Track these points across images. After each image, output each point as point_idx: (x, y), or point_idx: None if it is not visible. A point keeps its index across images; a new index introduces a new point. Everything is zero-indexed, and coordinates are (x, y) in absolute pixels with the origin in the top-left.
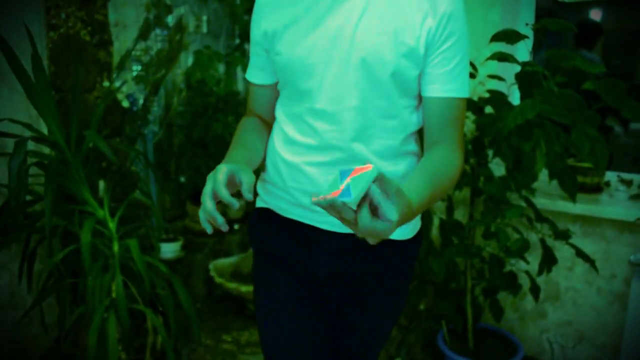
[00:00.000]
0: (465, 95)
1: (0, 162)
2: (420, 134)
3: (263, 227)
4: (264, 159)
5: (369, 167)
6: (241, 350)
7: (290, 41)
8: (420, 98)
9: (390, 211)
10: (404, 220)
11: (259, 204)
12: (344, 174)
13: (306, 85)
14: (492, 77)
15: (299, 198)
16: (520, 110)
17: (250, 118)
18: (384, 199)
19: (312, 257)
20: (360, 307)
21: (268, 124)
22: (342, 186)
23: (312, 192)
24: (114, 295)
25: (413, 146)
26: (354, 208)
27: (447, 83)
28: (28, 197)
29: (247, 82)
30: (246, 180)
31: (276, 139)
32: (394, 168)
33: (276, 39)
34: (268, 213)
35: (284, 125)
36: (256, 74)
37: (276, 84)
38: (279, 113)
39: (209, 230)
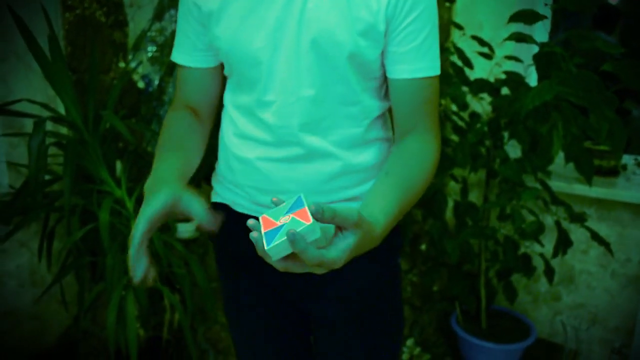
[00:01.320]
0: (437, 72)
1: (19, 142)
2: (390, 115)
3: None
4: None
5: (308, 220)
6: None
7: (228, 24)
8: (384, 77)
9: (334, 250)
10: (365, 247)
11: (214, 198)
12: (295, 205)
13: (253, 73)
14: (509, 58)
15: (255, 196)
16: (537, 92)
17: (179, 112)
18: (314, 252)
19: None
20: (330, 320)
21: (202, 118)
22: (280, 221)
23: (270, 192)
24: None
25: (380, 132)
26: (272, 258)
27: (414, 61)
28: (47, 177)
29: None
30: (196, 211)
31: (226, 133)
32: (361, 159)
33: (212, 21)
34: (224, 209)
35: (234, 117)
36: (187, 53)
37: (216, 67)
38: (228, 102)
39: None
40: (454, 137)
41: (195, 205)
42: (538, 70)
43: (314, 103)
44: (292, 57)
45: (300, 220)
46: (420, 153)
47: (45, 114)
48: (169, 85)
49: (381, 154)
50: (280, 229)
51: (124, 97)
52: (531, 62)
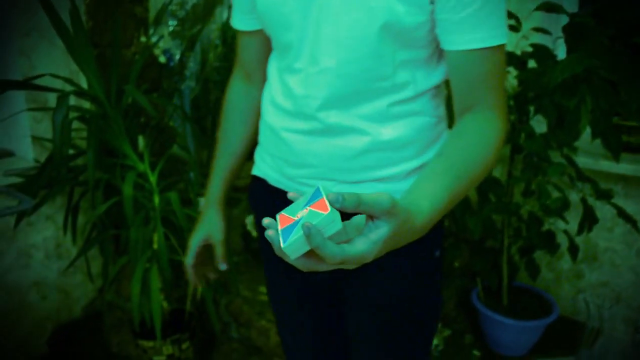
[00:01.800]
0: (502, 40)
1: (43, 117)
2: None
3: (256, 197)
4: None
5: (326, 209)
6: None
7: None
8: (434, 47)
9: (362, 243)
10: (404, 239)
11: (253, 170)
12: (314, 197)
13: (285, 38)
14: (536, 29)
15: (283, 168)
16: (567, 64)
17: (236, 85)
18: (333, 248)
19: None
20: (358, 296)
21: (256, 82)
22: (297, 215)
23: (295, 165)
24: (155, 246)
25: (422, 108)
26: (290, 257)
27: (472, 30)
28: (71, 151)
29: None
30: (217, 252)
31: (264, 99)
32: (392, 135)
33: None
34: (260, 182)
35: (272, 82)
36: (241, 18)
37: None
38: (269, 67)
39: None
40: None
41: (217, 249)
42: (567, 42)
43: (337, 76)
44: (320, 22)
45: (319, 211)
46: (479, 133)
47: (68, 88)
48: (189, 60)
49: (420, 132)
50: (296, 224)
51: (146, 71)
52: (560, 34)
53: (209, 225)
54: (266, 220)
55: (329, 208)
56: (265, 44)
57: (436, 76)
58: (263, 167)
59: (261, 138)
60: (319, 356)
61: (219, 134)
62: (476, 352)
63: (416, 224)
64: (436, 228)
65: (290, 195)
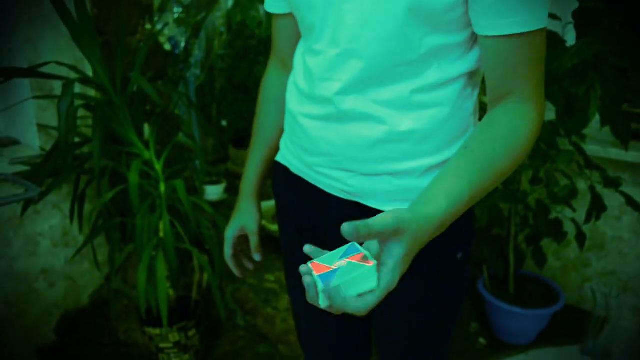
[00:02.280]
0: (543, 24)
1: (49, 105)
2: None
3: (279, 184)
4: None
5: (370, 263)
6: (284, 289)
7: None
8: (468, 31)
9: (385, 277)
10: (420, 244)
11: (277, 157)
12: (349, 251)
13: (309, 19)
14: None
15: (301, 155)
16: (577, 50)
17: (272, 73)
18: (354, 304)
19: (321, 223)
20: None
21: (291, 70)
22: (335, 265)
23: (312, 153)
24: (161, 234)
25: (448, 96)
26: (321, 304)
27: (509, 14)
28: (77, 139)
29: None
30: (252, 242)
31: (289, 83)
32: (412, 126)
33: None
34: (282, 169)
35: (296, 67)
36: (271, 2)
37: None
38: (296, 52)
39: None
40: (485, 99)
41: (252, 240)
42: (577, 28)
43: (358, 58)
44: (340, 2)
45: (358, 262)
46: (509, 125)
47: (74, 76)
48: (195, 47)
49: (443, 125)
50: (334, 272)
51: (151, 59)
52: (570, 19)
53: (244, 216)
54: (303, 268)
55: (372, 261)
56: (297, 28)
57: (467, 64)
58: (286, 154)
59: (285, 124)
60: (340, 353)
61: (254, 124)
62: (482, 340)
63: (429, 227)
64: (460, 230)
65: (306, 250)
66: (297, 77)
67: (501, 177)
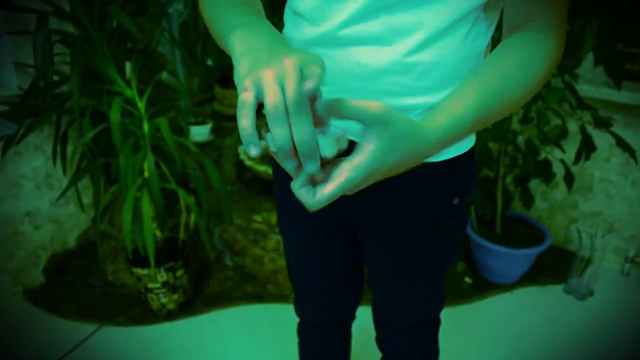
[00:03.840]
0: None
1: (25, 42)
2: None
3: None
4: None
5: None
6: (272, 230)
7: None
8: None
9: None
10: (412, 157)
11: None
12: None
13: None
14: None
15: None
16: None
17: None
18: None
19: None
20: (377, 238)
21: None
22: None
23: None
24: (146, 174)
25: (463, 25)
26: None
27: None
28: (56, 78)
29: None
30: (315, 72)
31: (285, 13)
32: (422, 55)
33: None
34: None
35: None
36: None
37: None
38: None
39: (256, 151)
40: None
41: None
42: None
43: None
44: None
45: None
46: (527, 54)
47: (49, 9)
48: None
49: (450, 57)
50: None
51: None
52: None
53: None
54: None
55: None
56: None
57: None
58: None
59: None
60: (331, 292)
61: (208, 15)
62: (468, 280)
63: (427, 138)
64: (459, 177)
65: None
66: (295, 2)
67: (510, 107)
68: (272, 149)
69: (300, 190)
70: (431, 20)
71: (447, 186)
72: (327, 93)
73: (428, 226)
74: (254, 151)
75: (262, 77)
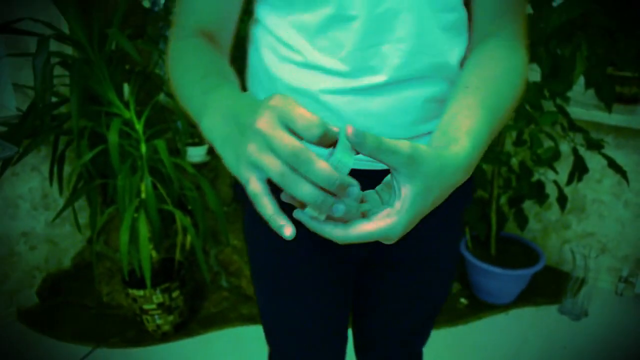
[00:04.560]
0: None
1: (24, 64)
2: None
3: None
4: None
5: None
6: None
7: None
8: None
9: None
10: (447, 189)
11: None
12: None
13: None
14: None
15: None
16: (565, 7)
17: (191, 40)
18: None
19: None
20: (391, 267)
21: (222, 47)
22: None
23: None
24: (143, 195)
25: (467, 37)
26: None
27: None
28: (54, 99)
29: None
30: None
31: (269, 59)
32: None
33: None
34: None
35: (286, 39)
36: None
37: None
38: (270, 20)
39: (291, 231)
40: None
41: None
42: None
43: (408, 12)
44: None
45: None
46: (509, 62)
47: (49, 32)
48: (174, 5)
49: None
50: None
51: (130, 17)
52: None
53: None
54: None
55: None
56: None
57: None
58: None
59: None
60: (322, 335)
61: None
62: (463, 300)
63: (459, 166)
64: (470, 179)
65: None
66: (306, 53)
67: (507, 117)
68: (314, 214)
69: (324, 226)
70: (459, 35)
71: (467, 189)
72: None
73: (444, 240)
74: (288, 232)
75: (251, 157)
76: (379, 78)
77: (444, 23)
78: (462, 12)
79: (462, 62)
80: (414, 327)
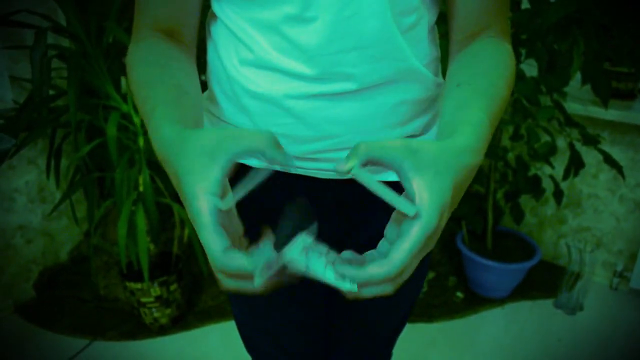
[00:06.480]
0: None
1: (21, 57)
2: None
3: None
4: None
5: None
6: None
7: None
8: None
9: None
10: (462, 171)
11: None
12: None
13: None
14: None
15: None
16: (562, 3)
17: (149, 41)
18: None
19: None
20: None
21: (185, 43)
22: None
23: (305, 139)
24: (141, 188)
25: (433, 35)
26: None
27: None
28: (51, 92)
29: None
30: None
31: (228, 60)
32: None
33: None
34: (244, 168)
35: (246, 39)
36: None
37: None
38: (231, 17)
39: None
40: None
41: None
42: None
43: (373, 15)
44: None
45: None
46: (497, 56)
47: (46, 24)
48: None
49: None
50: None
51: (126, 10)
52: None
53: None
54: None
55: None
56: None
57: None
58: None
59: (231, 114)
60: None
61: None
62: (459, 294)
63: (462, 144)
64: None
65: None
66: (264, 54)
67: (502, 105)
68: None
69: (361, 273)
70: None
71: None
72: (337, 144)
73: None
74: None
75: (216, 269)
76: (347, 85)
77: (405, 27)
78: (423, 15)
79: (429, 66)
80: (385, 336)
